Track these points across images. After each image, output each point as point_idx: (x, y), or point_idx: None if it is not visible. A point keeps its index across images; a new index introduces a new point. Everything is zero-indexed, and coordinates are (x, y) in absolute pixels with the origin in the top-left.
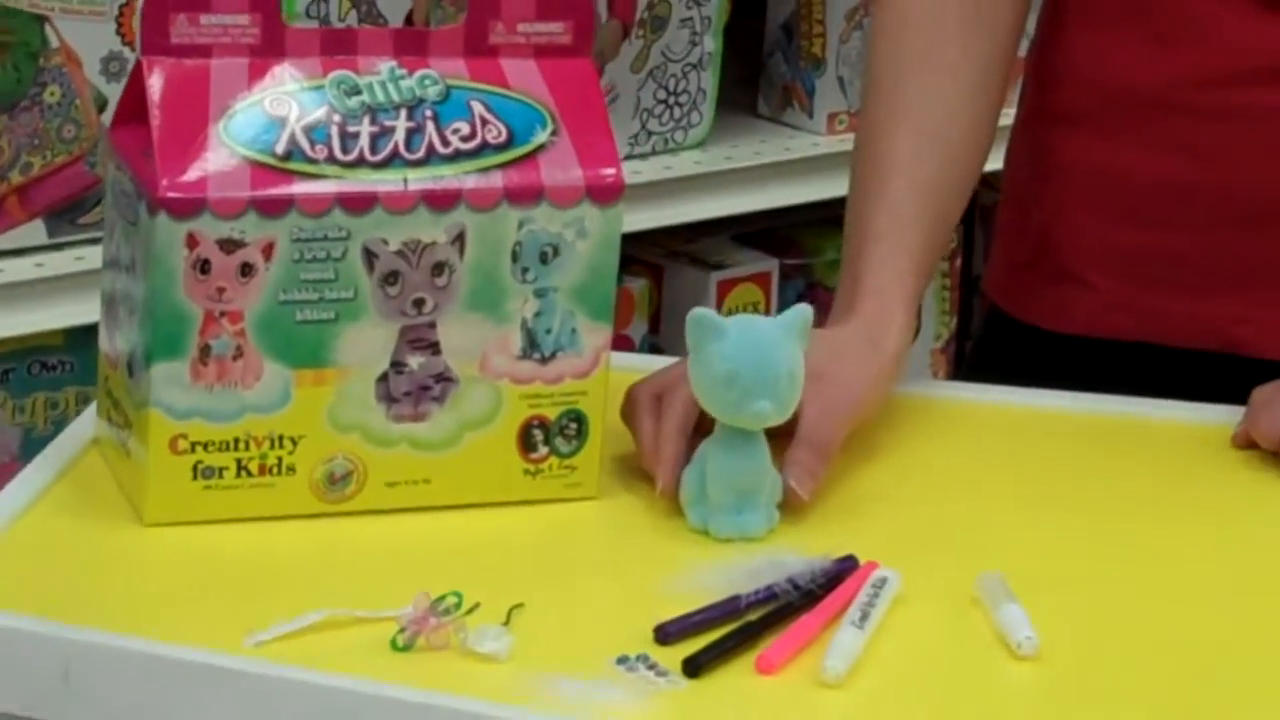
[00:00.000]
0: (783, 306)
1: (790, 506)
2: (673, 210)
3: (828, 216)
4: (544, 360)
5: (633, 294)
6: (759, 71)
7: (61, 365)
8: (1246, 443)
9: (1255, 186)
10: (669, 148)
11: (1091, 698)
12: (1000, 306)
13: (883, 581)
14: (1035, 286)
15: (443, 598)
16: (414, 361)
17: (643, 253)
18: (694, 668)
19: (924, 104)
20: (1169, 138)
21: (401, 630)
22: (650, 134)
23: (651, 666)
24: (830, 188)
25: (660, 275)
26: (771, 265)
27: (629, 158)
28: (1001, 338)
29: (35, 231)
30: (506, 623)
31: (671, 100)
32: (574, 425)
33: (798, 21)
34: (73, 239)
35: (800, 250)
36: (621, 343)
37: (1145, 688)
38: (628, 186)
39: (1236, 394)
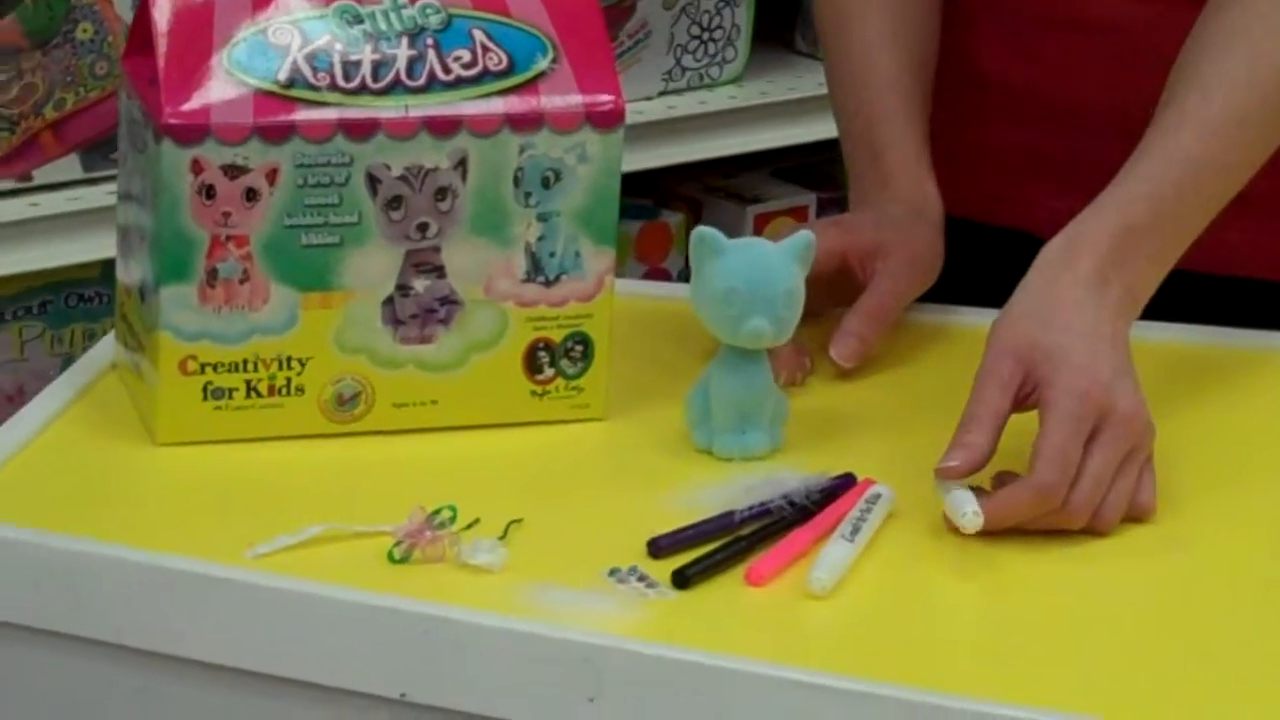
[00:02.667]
0: None
1: (794, 425)
2: (708, 145)
3: None
4: (548, 283)
5: (670, 228)
6: (797, 7)
7: (98, 297)
8: None
9: (1098, 95)
10: (704, 83)
11: (1073, 617)
12: None
13: (876, 497)
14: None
15: (438, 511)
16: (419, 284)
17: (681, 187)
18: (683, 579)
19: None
20: (1025, 44)
21: (398, 543)
22: (685, 70)
23: (642, 578)
24: None
25: (699, 209)
26: (809, 199)
27: (664, 93)
28: None
29: (70, 166)
30: (503, 537)
31: (705, 36)
32: (579, 347)
33: None
34: (107, 173)
35: (837, 184)
36: (659, 275)
37: (1129, 605)
38: (662, 122)
39: None
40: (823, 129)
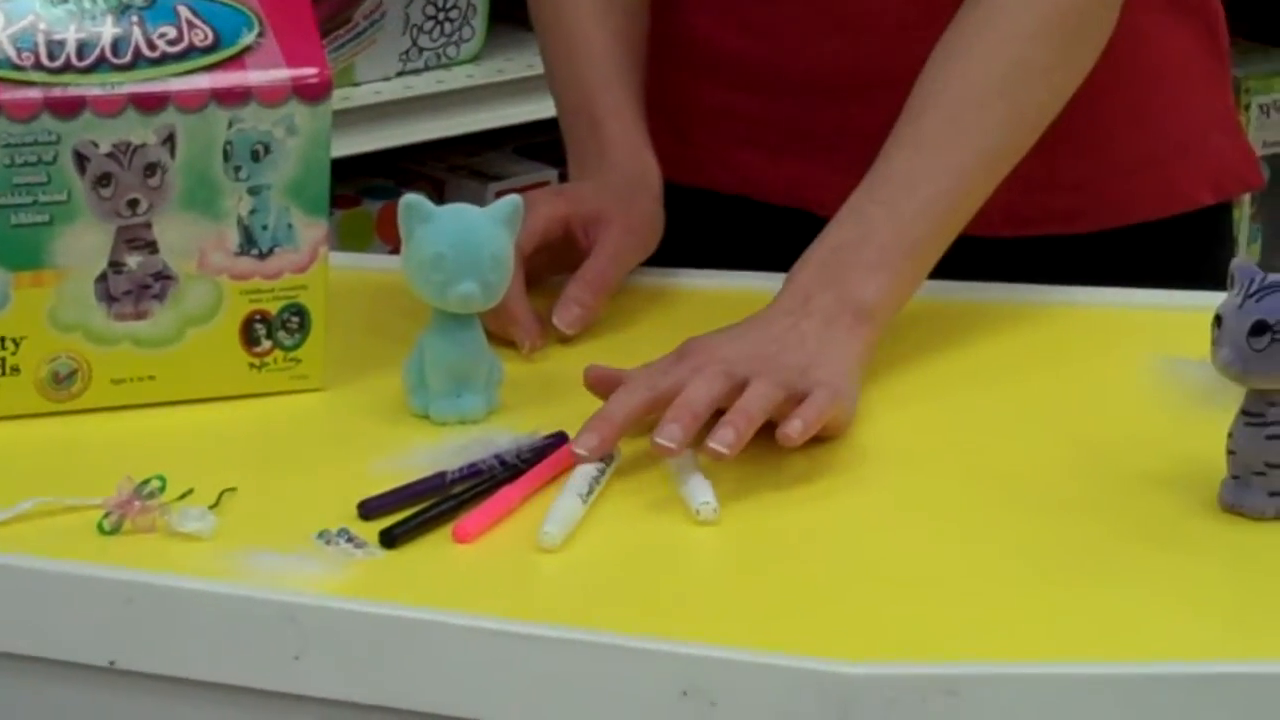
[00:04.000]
0: None
1: (510, 388)
2: (448, 123)
3: None
4: (262, 256)
5: None
6: None
7: None
8: None
9: (803, 60)
10: (442, 63)
11: (806, 560)
12: None
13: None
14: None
15: (146, 482)
16: (132, 261)
17: (423, 167)
18: (390, 538)
19: None
20: (730, 10)
21: (107, 515)
22: (422, 50)
23: (350, 539)
24: None
25: (442, 189)
26: (551, 175)
27: (402, 74)
28: None
29: None
30: (214, 505)
31: (441, 16)
32: (296, 319)
33: None
34: None
35: None
36: None
37: (859, 543)
38: (402, 101)
39: None
40: None
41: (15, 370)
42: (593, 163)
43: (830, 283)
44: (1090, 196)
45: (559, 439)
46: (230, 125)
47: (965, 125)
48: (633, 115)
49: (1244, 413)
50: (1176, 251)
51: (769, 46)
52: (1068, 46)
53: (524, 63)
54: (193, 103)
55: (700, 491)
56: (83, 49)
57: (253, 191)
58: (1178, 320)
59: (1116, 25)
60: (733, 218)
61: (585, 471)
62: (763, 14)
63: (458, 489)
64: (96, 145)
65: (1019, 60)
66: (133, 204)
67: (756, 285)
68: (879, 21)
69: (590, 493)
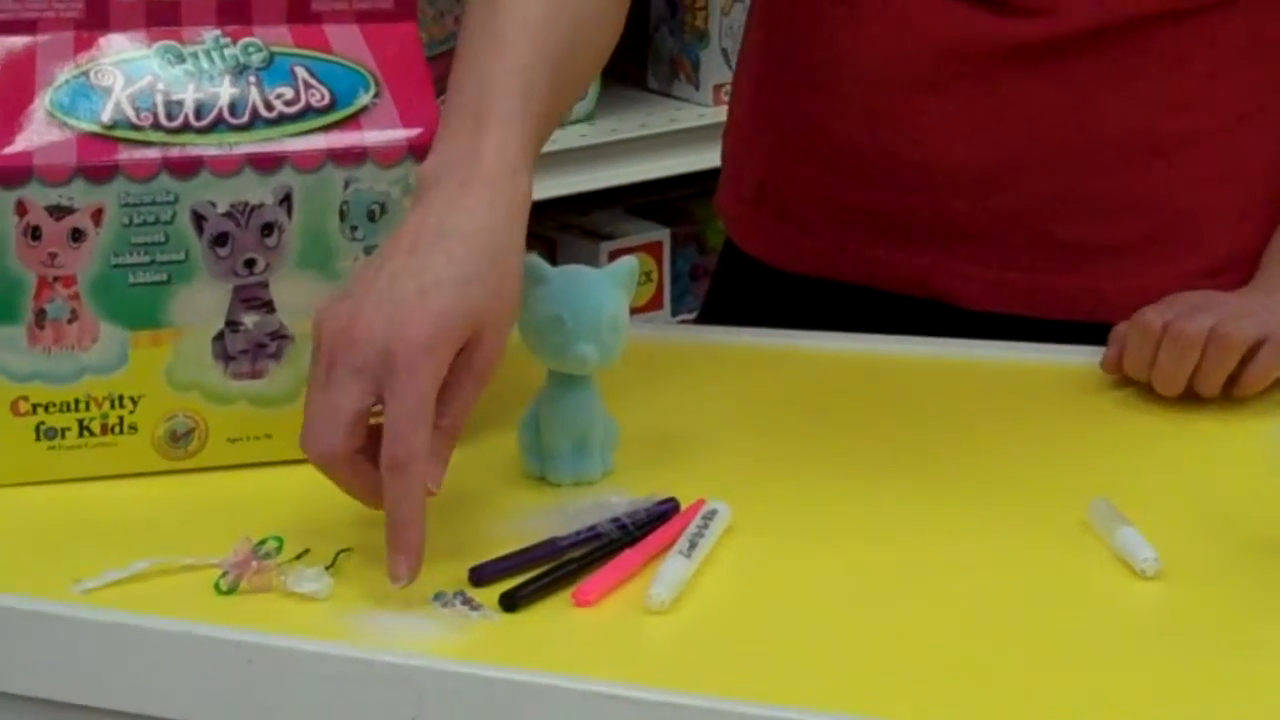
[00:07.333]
0: (675, 273)
1: (624, 449)
2: (561, 182)
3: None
4: None
5: None
6: (647, 45)
7: None
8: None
9: (938, 156)
10: None
11: (913, 628)
12: (734, 240)
13: (712, 514)
14: (763, 223)
15: (263, 542)
16: (249, 320)
17: (535, 225)
18: (510, 602)
19: None
20: (863, 106)
21: (224, 574)
22: None
23: (466, 601)
24: (718, 158)
25: (553, 247)
26: (663, 234)
27: None
28: (738, 274)
29: None
30: (330, 566)
31: None
32: None
33: None
34: None
35: (691, 219)
36: None
37: (964, 617)
38: None
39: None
40: (675, 165)
41: (133, 429)
42: (458, 170)
43: None
44: None
45: (671, 504)
46: (346, 185)
47: None
48: (521, 135)
49: None
50: None
51: (903, 144)
52: None
53: (636, 122)
54: (309, 163)
55: (1140, 548)
56: (200, 109)
57: (368, 251)
58: None
59: None
60: (856, 307)
61: (689, 531)
62: (894, 112)
63: (574, 553)
64: (214, 205)
65: None
66: (250, 263)
67: (883, 348)
68: (1019, 117)
69: (693, 549)
